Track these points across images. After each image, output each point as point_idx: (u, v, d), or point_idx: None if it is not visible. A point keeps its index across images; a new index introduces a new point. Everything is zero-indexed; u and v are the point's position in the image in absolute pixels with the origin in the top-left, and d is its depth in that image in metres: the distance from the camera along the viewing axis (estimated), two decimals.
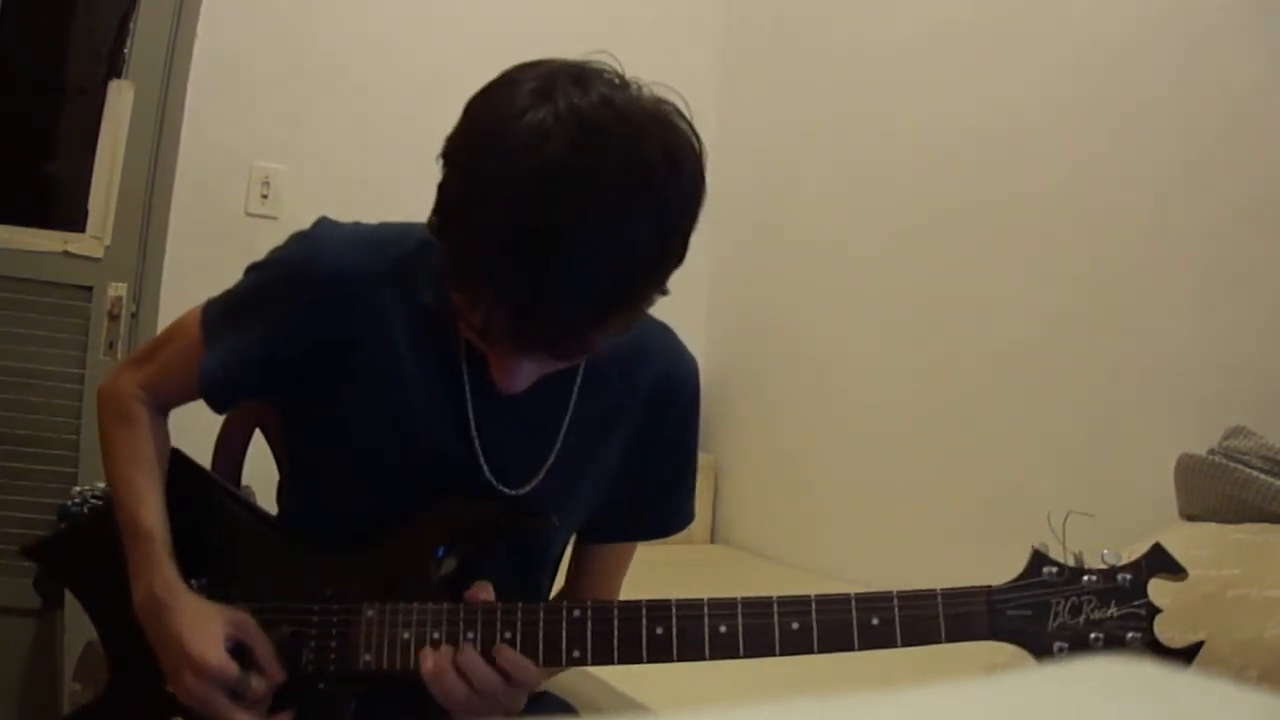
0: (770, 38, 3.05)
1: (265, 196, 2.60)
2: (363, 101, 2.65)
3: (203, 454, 1.30)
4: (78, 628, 1.19)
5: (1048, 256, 2.16)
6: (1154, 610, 0.93)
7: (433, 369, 1.03)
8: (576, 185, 0.82)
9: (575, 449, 1.07)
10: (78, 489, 2.20)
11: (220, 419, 1.28)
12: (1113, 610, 0.93)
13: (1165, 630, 1.23)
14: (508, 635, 0.97)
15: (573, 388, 1.05)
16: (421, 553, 1.03)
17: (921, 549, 2.26)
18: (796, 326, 2.83)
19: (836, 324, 2.69)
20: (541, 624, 0.98)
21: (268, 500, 1.22)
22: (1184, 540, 1.48)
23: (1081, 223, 2.10)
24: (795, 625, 0.94)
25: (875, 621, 0.94)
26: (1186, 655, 0.92)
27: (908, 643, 0.94)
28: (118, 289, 2.46)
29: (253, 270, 1.09)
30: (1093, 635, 0.93)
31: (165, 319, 1.17)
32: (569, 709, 1.23)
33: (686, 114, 0.89)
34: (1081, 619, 0.93)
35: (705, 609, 0.96)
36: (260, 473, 1.32)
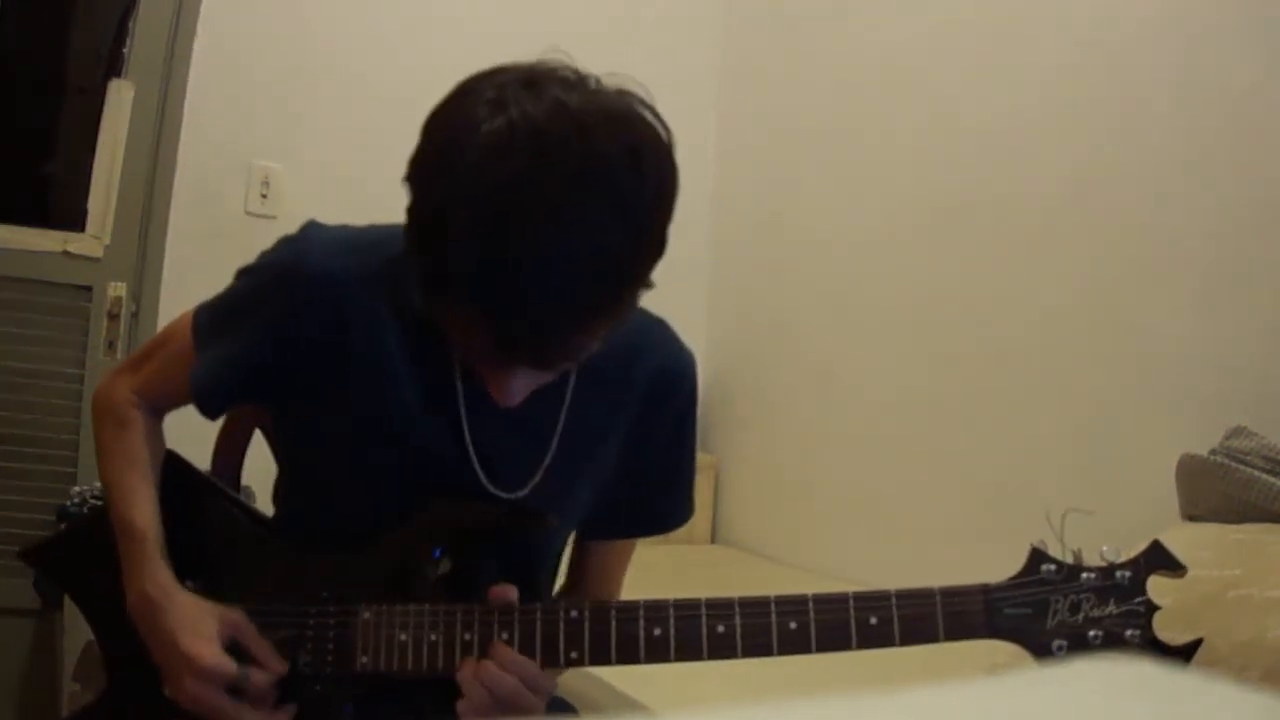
0: (770, 38, 3.05)
1: (265, 196, 2.60)
2: (363, 101, 2.65)
3: (203, 454, 1.30)
4: (77, 628, 1.19)
5: (1048, 256, 2.16)
6: (1153, 607, 0.93)
7: (425, 372, 1.03)
8: (538, 197, 0.81)
9: (571, 451, 1.06)
10: (77, 489, 2.20)
11: (220, 419, 1.28)
12: (1112, 608, 0.93)
13: (1166, 630, 1.23)
14: (504, 636, 0.97)
15: (567, 389, 1.05)
16: (418, 554, 1.02)
17: (922, 549, 2.26)
18: (796, 326, 2.82)
19: (836, 324, 2.69)
20: (539, 625, 0.97)
21: (268, 500, 1.22)
22: (1185, 541, 1.47)
23: (1082, 222, 2.10)
24: (793, 625, 0.94)
25: (873, 621, 0.93)
26: (1186, 653, 0.92)
27: (906, 642, 0.93)
28: (117, 289, 2.46)
29: (242, 275, 1.08)
30: (1091, 633, 0.92)
31: (165, 319, 1.17)
32: (569, 709, 1.23)
33: (649, 101, 0.87)
34: (1080, 617, 0.93)
35: (703, 609, 0.95)
36: (260, 473, 1.32)
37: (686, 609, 0.96)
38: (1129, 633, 0.92)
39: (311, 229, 1.05)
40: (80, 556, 1.17)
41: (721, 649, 0.95)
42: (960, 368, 2.33)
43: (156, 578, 1.02)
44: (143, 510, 1.05)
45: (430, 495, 1.03)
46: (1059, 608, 0.93)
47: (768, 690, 1.02)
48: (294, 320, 1.01)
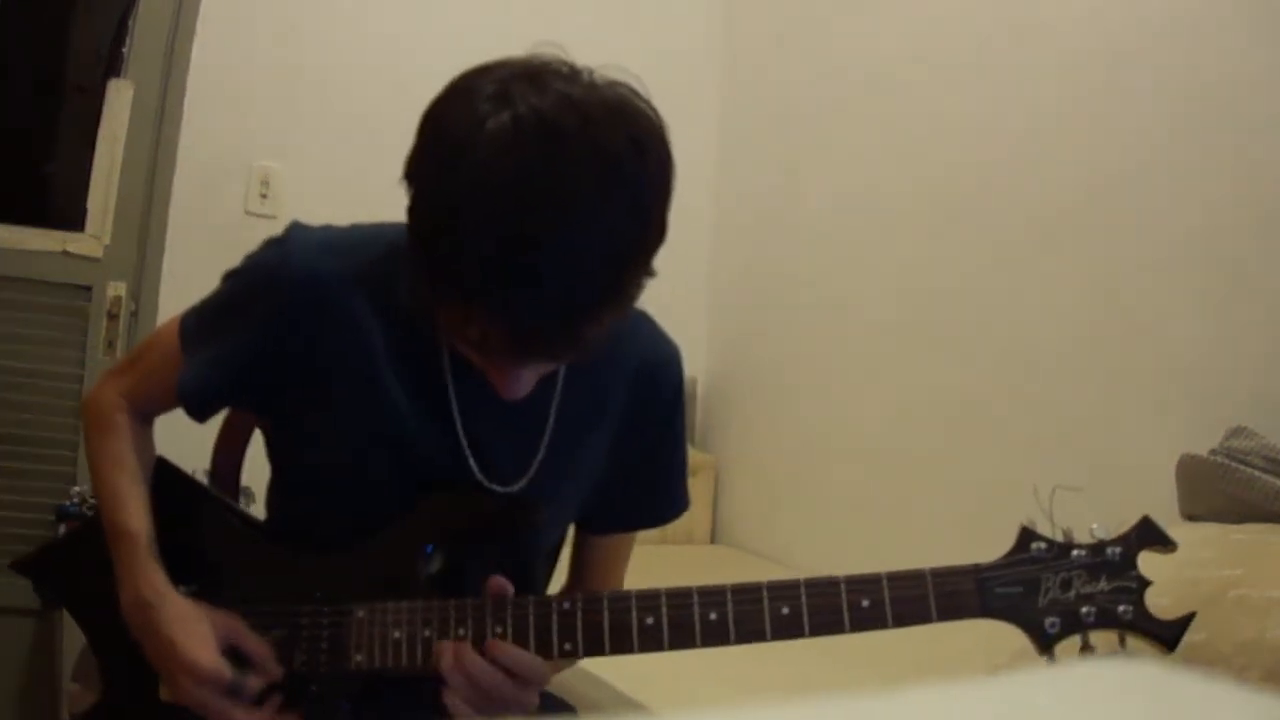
0: (771, 39, 3.05)
1: (264, 195, 2.60)
2: (362, 101, 2.65)
3: (203, 454, 1.30)
4: (77, 628, 1.19)
5: (1049, 257, 2.16)
6: (1144, 583, 0.92)
7: (413, 370, 1.02)
8: (549, 190, 0.81)
9: (563, 444, 1.06)
10: (76, 489, 2.20)
11: (219, 419, 1.28)
12: (1103, 584, 0.92)
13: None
14: (498, 630, 0.97)
15: (557, 383, 1.05)
16: (410, 551, 1.02)
17: (922, 549, 2.25)
18: (796, 326, 2.82)
19: (836, 324, 2.69)
20: (532, 617, 0.97)
21: None
22: (1185, 541, 1.47)
23: (1083, 223, 2.10)
24: (785, 610, 0.94)
25: (865, 603, 0.93)
26: (1178, 628, 0.92)
27: (899, 623, 0.93)
28: (117, 289, 2.46)
29: (228, 278, 1.08)
30: (1084, 610, 0.92)
31: (165, 318, 1.17)
32: (569, 709, 1.23)
33: (642, 91, 0.87)
34: (1072, 594, 0.92)
35: (695, 597, 0.95)
36: (260, 473, 1.32)
37: (679, 597, 0.96)
38: (1121, 609, 0.92)
39: (295, 230, 1.05)
40: (72, 565, 1.17)
41: (715, 636, 0.95)
42: (960, 368, 2.33)
43: (151, 580, 1.02)
44: (134, 513, 1.05)
45: (424, 491, 1.03)
46: (1050, 585, 0.93)
47: (768, 690, 1.01)
48: (279, 322, 1.01)
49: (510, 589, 0.99)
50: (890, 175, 2.56)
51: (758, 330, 2.99)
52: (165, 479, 1.12)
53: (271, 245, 1.05)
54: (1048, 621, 0.92)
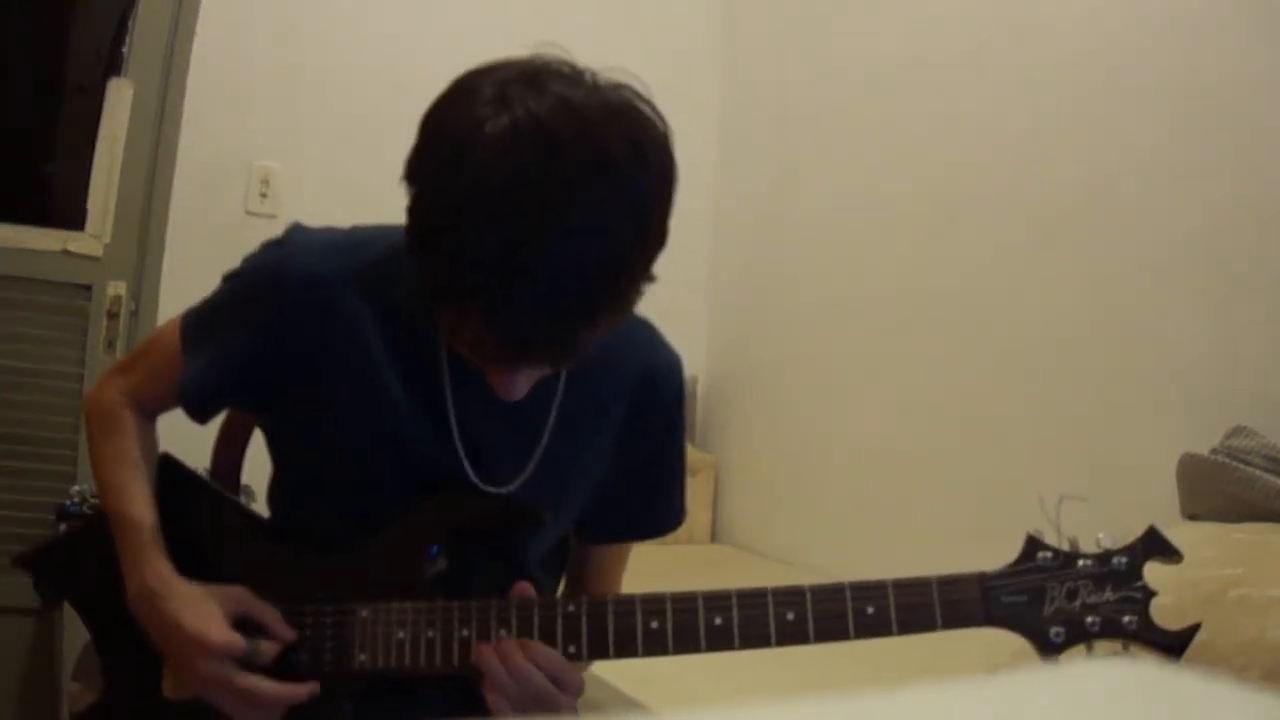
0: (771, 39, 3.05)
1: (265, 195, 2.60)
2: (362, 100, 2.65)
3: (203, 453, 1.30)
4: (77, 627, 1.19)
5: (1049, 257, 2.16)
6: (1150, 593, 0.92)
7: (411, 371, 1.02)
8: (545, 195, 0.81)
9: (560, 448, 1.06)
10: (77, 488, 2.19)
11: (219, 419, 1.28)
12: (1109, 594, 0.92)
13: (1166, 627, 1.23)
14: (502, 632, 0.97)
15: (557, 387, 1.05)
16: (413, 551, 1.02)
17: (922, 549, 2.26)
18: (796, 326, 2.82)
19: (836, 324, 2.69)
20: (536, 620, 0.97)
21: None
22: (1185, 540, 1.47)
23: (1083, 222, 2.10)
24: (790, 616, 0.94)
25: (870, 610, 0.93)
26: (1182, 639, 0.92)
27: (904, 631, 0.93)
28: (117, 288, 2.46)
29: (228, 279, 1.09)
30: (1089, 620, 0.92)
31: (165, 318, 1.17)
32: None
33: (645, 94, 0.87)
34: (1078, 604, 0.92)
35: (700, 602, 0.95)
36: (260, 472, 1.32)
37: (684, 602, 0.96)
38: (1126, 619, 0.92)
39: (295, 232, 1.05)
40: (77, 560, 1.17)
41: (719, 641, 0.95)
42: (961, 368, 2.33)
43: (156, 569, 1.02)
44: (138, 504, 1.05)
45: (421, 492, 1.03)
46: (1056, 595, 0.93)
47: (768, 690, 1.01)
48: (279, 323, 1.02)
49: (533, 593, 0.99)
50: (890, 175, 2.56)
51: (758, 330, 2.99)
52: (171, 476, 1.13)
53: (271, 247, 1.05)
54: (1053, 631, 0.92)
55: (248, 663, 0.98)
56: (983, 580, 0.94)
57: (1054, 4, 2.21)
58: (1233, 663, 1.15)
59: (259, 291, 1.04)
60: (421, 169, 0.87)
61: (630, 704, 1.52)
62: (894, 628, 0.93)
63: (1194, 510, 1.61)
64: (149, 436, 1.13)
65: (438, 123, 0.87)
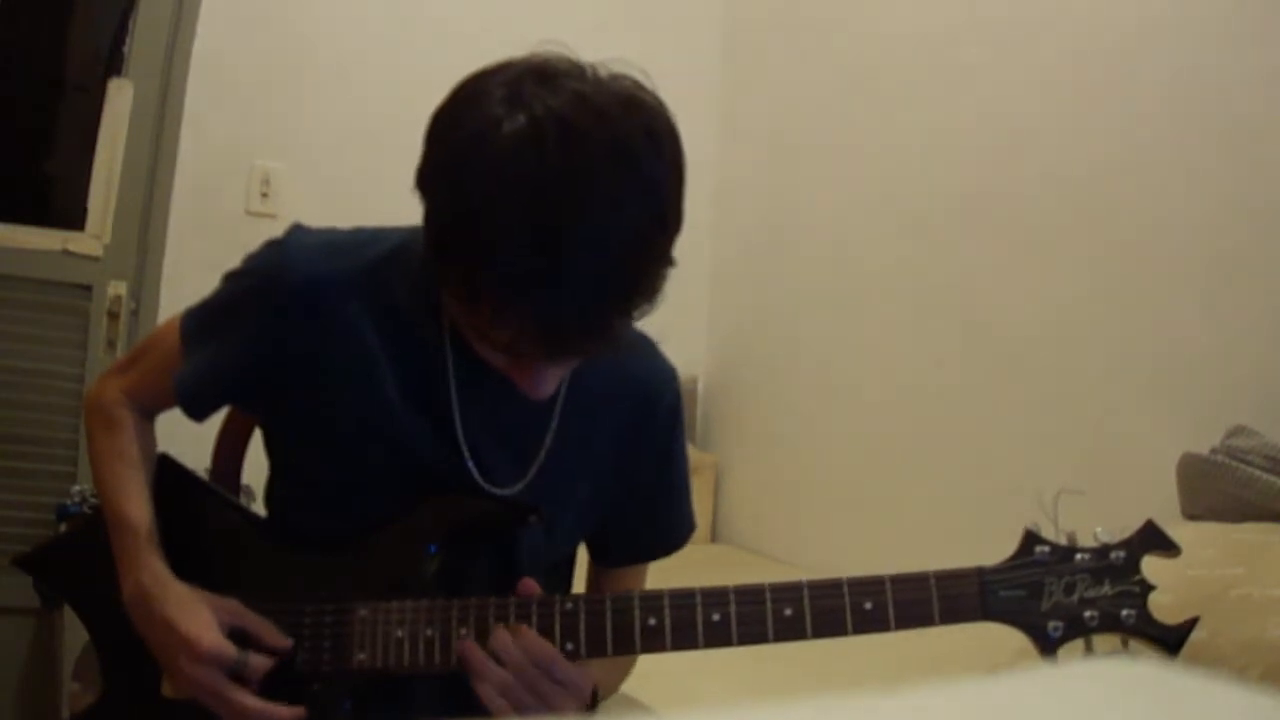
0: (771, 38, 3.04)
1: (265, 195, 2.60)
2: (362, 100, 2.65)
3: (203, 453, 1.30)
4: (78, 628, 1.19)
5: (1050, 256, 2.16)
6: (1148, 587, 0.92)
7: (412, 373, 1.02)
8: (573, 188, 0.81)
9: (563, 451, 1.06)
10: (77, 488, 2.20)
11: (218, 418, 1.28)
12: (1107, 588, 0.92)
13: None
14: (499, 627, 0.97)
15: (560, 389, 1.04)
16: (412, 550, 1.02)
17: (923, 549, 2.26)
18: (796, 326, 2.82)
19: (836, 324, 2.69)
20: (534, 618, 0.97)
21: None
22: (1186, 540, 1.47)
23: (1082, 224, 2.10)
24: (788, 612, 0.94)
25: (868, 606, 0.93)
26: (1181, 633, 0.91)
27: (901, 625, 0.93)
28: (117, 288, 2.46)
29: (228, 279, 1.09)
30: (1087, 614, 0.92)
31: (165, 318, 1.17)
32: None
33: (647, 83, 0.88)
34: (1075, 598, 0.92)
35: (698, 598, 0.95)
36: (260, 472, 1.32)
37: (682, 598, 0.95)
38: (1124, 613, 0.91)
39: (295, 232, 1.05)
40: (76, 561, 1.17)
41: (717, 638, 0.94)
42: (960, 368, 2.33)
43: (151, 568, 1.02)
44: (135, 503, 1.05)
45: (420, 488, 1.03)
46: (1054, 589, 0.93)
47: (768, 690, 1.01)
48: (278, 323, 1.01)
49: (538, 590, 0.99)
50: (891, 175, 2.56)
51: (758, 330, 2.99)
52: (170, 476, 1.13)
53: (271, 247, 1.05)
54: (1050, 625, 0.92)
55: (238, 674, 0.98)
56: (981, 575, 0.94)
57: (1054, 5, 2.20)
58: (1233, 663, 1.15)
59: (258, 292, 1.04)
60: (438, 176, 0.87)
61: (630, 703, 1.52)
62: (892, 623, 0.93)
63: (1194, 510, 1.61)
64: (147, 435, 1.13)
65: (449, 128, 0.87)
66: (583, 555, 1.21)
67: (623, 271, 0.84)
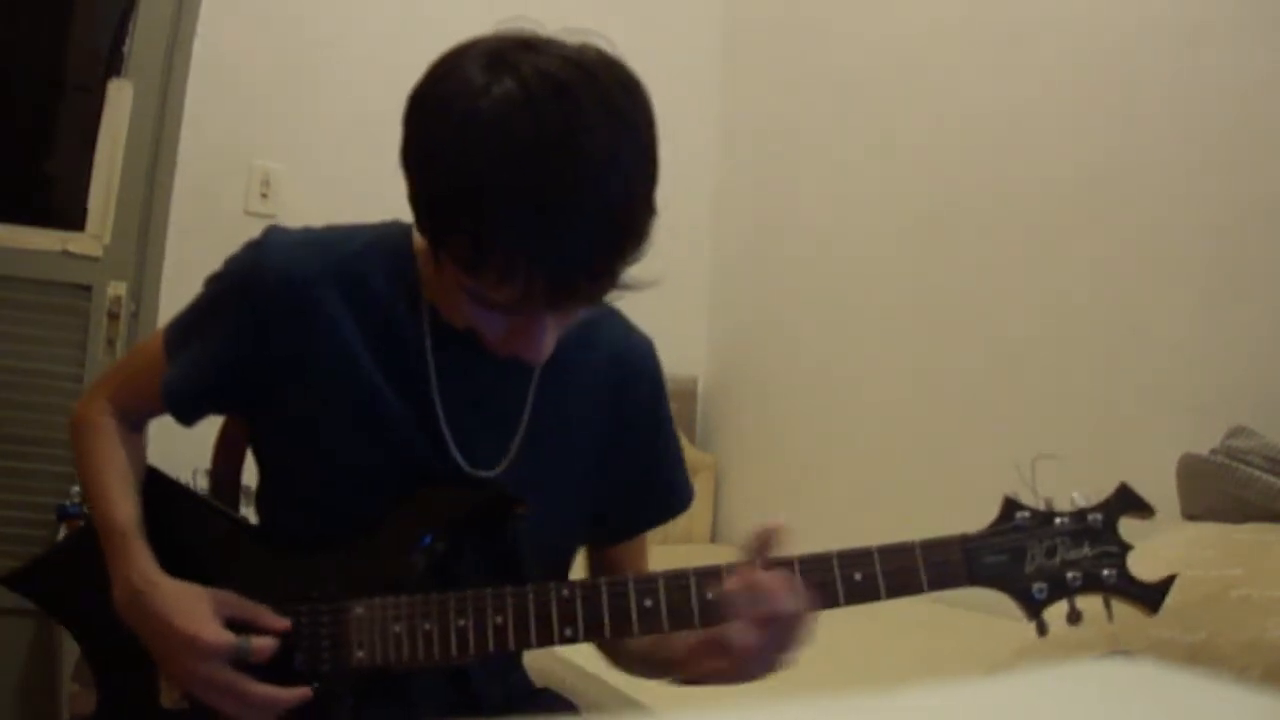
0: (771, 38, 3.05)
1: (265, 195, 2.60)
2: (362, 100, 2.64)
3: (203, 454, 1.30)
4: None
5: (1049, 257, 2.16)
6: (1126, 547, 0.95)
7: (393, 359, 1.04)
8: (572, 144, 0.85)
9: (542, 428, 1.08)
10: (76, 489, 2.20)
11: (217, 421, 1.28)
12: (1086, 550, 0.95)
13: (1166, 630, 1.23)
14: (499, 620, 0.97)
15: (532, 371, 1.07)
16: (404, 545, 1.03)
17: None
18: (796, 326, 2.82)
19: (837, 324, 2.69)
20: (532, 605, 0.98)
21: None
22: (1186, 540, 1.47)
23: (1083, 222, 2.10)
24: None
25: (858, 577, 0.95)
26: (1160, 590, 0.94)
27: (892, 594, 0.95)
28: (117, 288, 2.46)
29: (209, 282, 1.10)
30: (1070, 575, 0.95)
31: (165, 318, 1.17)
32: (570, 708, 1.23)
33: (608, 45, 0.92)
34: (1057, 560, 0.95)
35: (691, 578, 0.96)
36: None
37: (676, 579, 0.96)
38: (1105, 573, 0.94)
39: (272, 232, 1.07)
40: (63, 577, 1.16)
41: (712, 616, 0.95)
42: (960, 368, 2.33)
43: (141, 568, 1.02)
44: (121, 507, 1.05)
45: (405, 478, 1.04)
46: (1035, 553, 0.96)
47: (768, 690, 1.01)
48: (258, 323, 1.03)
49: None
50: (890, 175, 2.56)
51: (758, 330, 2.99)
52: (158, 488, 1.12)
53: (249, 248, 1.07)
54: (1035, 587, 0.95)
55: (242, 663, 0.98)
56: (965, 542, 0.97)
57: (1055, 5, 2.21)
58: (1233, 663, 1.15)
59: (238, 291, 1.05)
60: (428, 150, 0.89)
61: (630, 704, 1.52)
62: (882, 592, 0.95)
63: (1194, 511, 1.61)
64: (133, 443, 1.13)
65: (434, 103, 0.90)
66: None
67: (620, 218, 0.88)
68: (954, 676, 0.41)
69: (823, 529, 2.87)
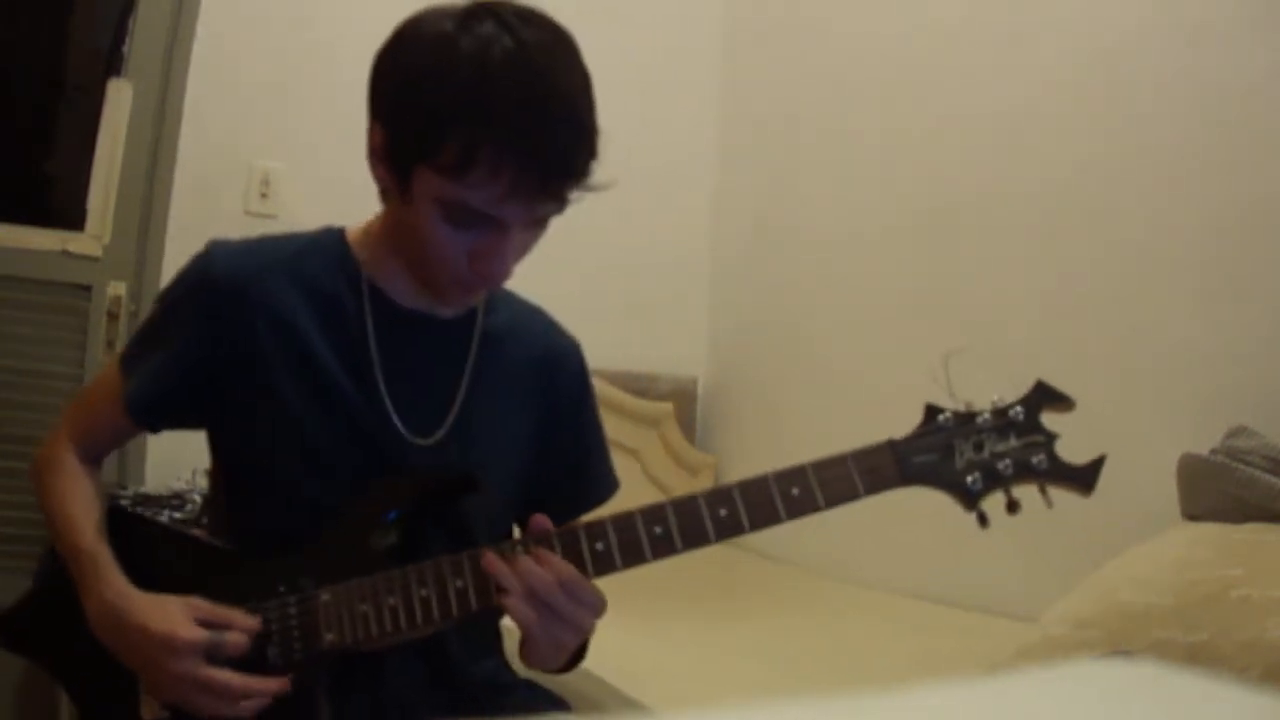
0: (771, 38, 3.05)
1: (264, 195, 2.60)
2: (362, 100, 2.64)
3: (202, 454, 1.30)
4: None
5: (1049, 256, 2.16)
6: (1052, 436, 1.00)
7: (338, 337, 1.11)
8: (547, 57, 1.00)
9: (476, 403, 1.15)
10: None
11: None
12: (1013, 441, 1.00)
13: (1166, 630, 1.23)
14: (459, 584, 1.00)
15: (470, 346, 1.16)
16: (362, 530, 1.06)
17: (923, 547, 2.26)
18: (796, 326, 2.82)
19: (836, 324, 2.68)
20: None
21: None
22: (1186, 540, 1.47)
23: (1083, 222, 2.10)
24: (723, 512, 0.99)
25: (795, 492, 1.00)
26: (1092, 471, 0.99)
27: (830, 504, 1.01)
28: (117, 288, 2.46)
29: (159, 299, 1.18)
30: (1001, 465, 0.99)
31: None
32: (567, 707, 1.24)
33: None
34: (986, 453, 0.99)
35: (638, 518, 0.99)
36: None
37: (623, 521, 0.99)
38: (1035, 460, 0.99)
39: (214, 243, 1.15)
40: (42, 622, 1.19)
41: (663, 548, 0.99)
42: (960, 368, 2.32)
43: (112, 584, 1.05)
44: (85, 533, 1.10)
45: (355, 449, 1.10)
46: (964, 449, 1.00)
47: (768, 690, 1.01)
48: (211, 323, 1.10)
49: (550, 524, 1.03)
50: (891, 175, 2.56)
51: (758, 330, 2.99)
52: (118, 522, 1.16)
53: (194, 260, 1.14)
54: (969, 479, 0.99)
55: (216, 658, 1.01)
56: (893, 446, 1.02)
57: (1055, 5, 2.20)
58: (1233, 663, 1.15)
59: (189, 298, 1.12)
60: (411, 79, 1.01)
61: (630, 704, 1.52)
62: (821, 502, 1.00)
63: (1194, 511, 1.61)
64: (90, 476, 1.19)
65: (412, 44, 1.02)
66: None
67: (585, 116, 1.01)
68: (954, 676, 0.41)
69: (822, 529, 2.86)
